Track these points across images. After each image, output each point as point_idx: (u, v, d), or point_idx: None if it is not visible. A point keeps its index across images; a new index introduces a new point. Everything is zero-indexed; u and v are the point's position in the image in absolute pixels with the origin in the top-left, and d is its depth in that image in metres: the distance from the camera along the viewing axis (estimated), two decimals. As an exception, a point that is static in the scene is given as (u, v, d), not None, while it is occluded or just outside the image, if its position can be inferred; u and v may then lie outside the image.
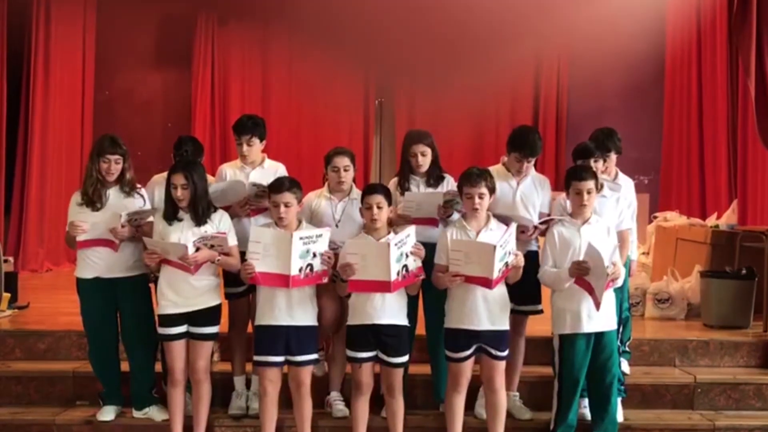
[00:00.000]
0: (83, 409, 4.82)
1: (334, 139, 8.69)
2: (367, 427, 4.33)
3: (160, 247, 4.23)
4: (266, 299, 4.24)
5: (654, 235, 7.51)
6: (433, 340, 4.62)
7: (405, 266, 4.08)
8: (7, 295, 6.04)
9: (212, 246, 4.25)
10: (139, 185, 4.66)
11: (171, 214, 4.31)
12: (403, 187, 4.60)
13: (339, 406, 4.66)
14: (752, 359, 5.33)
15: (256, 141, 4.65)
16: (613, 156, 4.78)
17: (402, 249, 4.05)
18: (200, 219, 4.28)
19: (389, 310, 4.18)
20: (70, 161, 9.07)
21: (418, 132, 4.75)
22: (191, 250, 4.15)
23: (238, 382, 4.74)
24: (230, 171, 4.71)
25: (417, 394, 4.80)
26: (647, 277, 6.71)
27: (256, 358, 4.27)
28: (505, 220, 4.29)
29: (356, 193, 4.55)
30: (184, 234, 4.24)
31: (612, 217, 4.57)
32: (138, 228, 4.48)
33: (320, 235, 4.15)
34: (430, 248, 4.26)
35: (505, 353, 4.28)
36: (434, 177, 4.63)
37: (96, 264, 4.52)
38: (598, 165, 4.58)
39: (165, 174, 4.41)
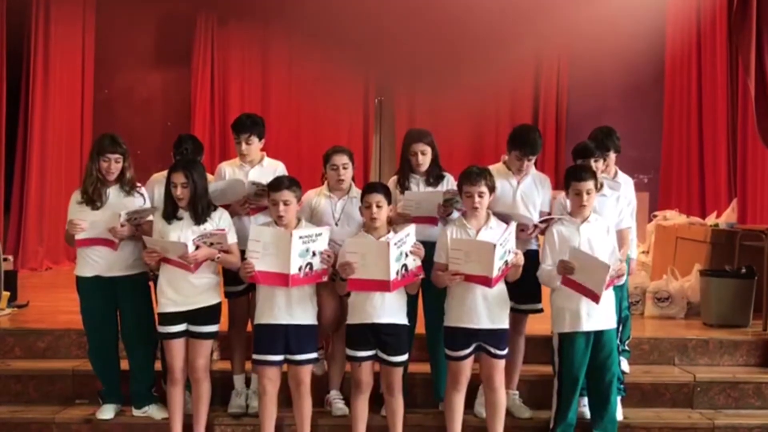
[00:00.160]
0: (83, 408, 4.82)
1: (333, 138, 8.68)
2: (366, 425, 4.34)
3: (159, 245, 4.23)
4: (266, 298, 4.24)
5: (654, 233, 7.51)
6: (432, 339, 4.62)
7: (404, 265, 4.08)
8: (6, 294, 6.03)
9: (212, 244, 4.25)
10: (139, 184, 4.67)
11: (170, 213, 4.31)
12: (403, 185, 4.60)
13: (339, 405, 4.66)
14: (752, 358, 5.33)
15: (254, 140, 4.65)
16: (613, 155, 4.78)
17: (402, 248, 4.05)
18: (200, 218, 4.27)
19: (389, 309, 4.18)
20: (70, 160, 9.07)
21: (418, 131, 4.75)
22: (191, 248, 4.15)
23: (238, 380, 4.74)
24: (229, 169, 4.71)
25: (417, 393, 4.80)
26: (647, 275, 6.71)
27: (255, 356, 4.27)
28: (504, 219, 4.30)
29: (356, 191, 4.56)
30: (184, 233, 4.24)
31: (612, 216, 4.58)
32: (138, 227, 4.48)
33: (320, 234, 4.15)
34: (429, 247, 4.26)
35: (505, 352, 4.28)
36: (434, 176, 4.63)
37: (96, 262, 4.52)
38: (598, 165, 4.58)
39: (165, 173, 4.41)
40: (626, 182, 4.81)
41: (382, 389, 4.36)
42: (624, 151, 4.88)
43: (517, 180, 4.56)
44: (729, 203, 7.44)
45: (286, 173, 4.62)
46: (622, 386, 4.73)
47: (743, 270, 5.83)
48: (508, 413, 4.45)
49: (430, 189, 4.59)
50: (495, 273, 4.02)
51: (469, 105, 9.36)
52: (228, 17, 9.98)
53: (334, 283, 4.27)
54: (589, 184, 4.28)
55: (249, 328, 4.59)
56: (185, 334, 4.34)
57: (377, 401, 4.46)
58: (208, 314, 4.33)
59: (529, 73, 10.03)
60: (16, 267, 7.21)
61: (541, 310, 4.64)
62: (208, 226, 4.28)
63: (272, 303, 4.21)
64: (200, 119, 9.79)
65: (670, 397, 4.99)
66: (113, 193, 4.55)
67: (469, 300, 4.18)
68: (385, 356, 4.23)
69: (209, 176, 4.55)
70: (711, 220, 7.02)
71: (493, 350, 4.22)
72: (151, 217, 4.46)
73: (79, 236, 4.45)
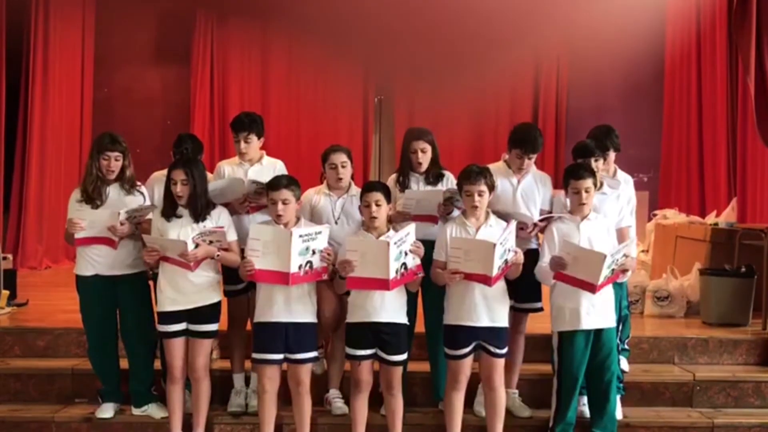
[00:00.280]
0: (82, 407, 4.82)
1: (333, 136, 8.69)
2: (366, 424, 4.34)
3: (159, 243, 4.23)
4: (265, 296, 4.23)
5: (653, 232, 7.51)
6: (432, 338, 4.62)
7: (404, 264, 4.08)
8: (6, 293, 6.03)
9: (211, 242, 4.25)
10: (139, 183, 4.66)
11: (170, 211, 4.30)
12: (403, 184, 4.60)
13: (338, 404, 4.66)
14: (751, 357, 5.33)
15: (253, 138, 4.65)
16: (612, 154, 4.78)
17: (401, 247, 4.04)
18: (199, 216, 4.27)
19: (389, 308, 4.18)
20: (69, 158, 9.07)
21: (419, 129, 4.75)
22: (190, 246, 4.15)
23: (238, 379, 4.73)
24: (228, 168, 4.71)
25: (416, 392, 4.80)
26: (646, 274, 6.71)
27: (254, 355, 4.27)
28: (504, 217, 4.29)
29: (355, 190, 4.56)
30: (183, 231, 4.23)
31: (612, 214, 4.58)
32: (138, 225, 4.48)
33: (320, 232, 4.15)
34: (429, 246, 4.27)
35: (504, 351, 4.28)
36: (434, 175, 4.62)
37: (95, 261, 4.51)
38: (598, 164, 4.58)
39: (165, 171, 4.40)
40: (626, 181, 4.81)
41: (382, 388, 4.35)
42: (624, 150, 4.88)
43: (518, 179, 4.56)
44: (729, 202, 7.45)
45: (286, 172, 4.62)
46: (621, 385, 4.73)
47: (743, 269, 5.83)
48: (508, 412, 4.45)
49: (430, 188, 4.58)
50: (495, 272, 4.02)
51: (469, 104, 9.35)
52: (228, 15, 9.97)
53: (332, 281, 4.27)
54: (588, 183, 4.28)
55: (249, 327, 4.58)
56: (185, 333, 4.33)
57: (377, 400, 4.46)
58: (208, 313, 4.33)
59: (529, 72, 10.03)
60: (15, 266, 7.21)
61: (541, 309, 4.64)
62: (208, 225, 4.28)
63: (272, 301, 4.21)
64: (200, 117, 9.79)
65: (670, 396, 4.99)
66: (113, 191, 4.54)
67: (468, 298, 4.18)
68: (384, 355, 4.23)
69: (209, 175, 4.54)
70: (711, 219, 7.03)
71: (492, 349, 4.22)
72: (150, 216, 4.46)
73: (78, 235, 4.44)
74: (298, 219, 4.29)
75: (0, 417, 4.70)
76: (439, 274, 4.19)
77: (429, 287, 4.36)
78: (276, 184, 4.20)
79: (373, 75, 10.00)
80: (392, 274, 4.01)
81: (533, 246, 4.53)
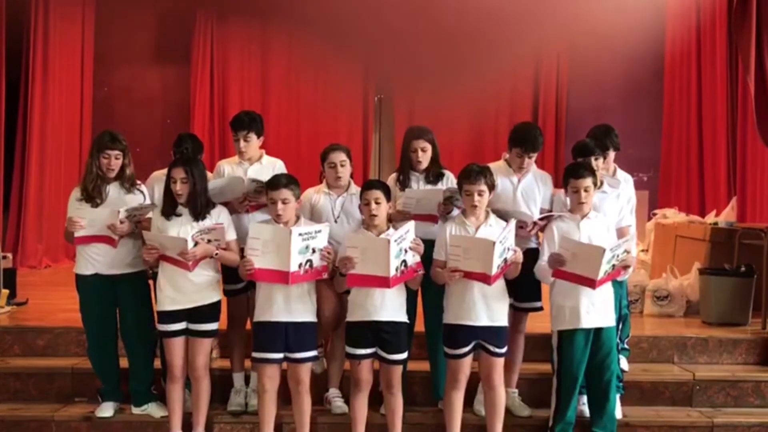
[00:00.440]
0: (82, 406, 4.82)
1: (333, 135, 8.68)
2: (366, 423, 4.34)
3: (159, 241, 4.23)
4: (265, 296, 4.23)
5: (653, 232, 7.51)
6: (432, 337, 4.62)
7: (404, 261, 4.08)
8: (5, 292, 6.03)
9: (209, 241, 4.24)
10: (139, 181, 4.66)
11: (170, 210, 4.30)
12: (403, 183, 4.60)
13: (338, 403, 4.66)
14: (751, 356, 5.33)
15: (253, 137, 4.64)
16: (612, 153, 4.78)
17: (401, 245, 4.04)
18: (199, 215, 4.27)
19: (389, 307, 4.18)
20: (69, 157, 9.07)
21: (419, 128, 4.75)
22: (190, 244, 4.15)
23: (237, 378, 4.73)
24: (228, 167, 4.71)
25: (416, 391, 4.80)
26: (646, 274, 6.71)
27: (254, 354, 4.27)
28: (504, 216, 4.29)
29: (355, 188, 4.56)
30: (183, 229, 4.23)
31: (612, 213, 4.58)
32: (137, 224, 4.48)
33: (319, 231, 4.15)
34: (429, 245, 4.27)
35: (504, 350, 4.28)
36: (434, 174, 4.62)
37: (95, 260, 4.51)
38: (598, 163, 4.58)
39: (165, 171, 4.40)
40: (626, 180, 4.82)
41: (382, 387, 4.35)
42: (623, 149, 4.88)
43: (518, 177, 4.56)
44: (728, 201, 7.44)
45: (285, 170, 4.62)
46: (621, 384, 4.73)
47: (742, 268, 5.83)
48: (508, 411, 4.46)
49: (430, 187, 4.58)
50: (494, 270, 4.02)
51: (469, 103, 9.34)
52: (227, 14, 9.96)
53: (332, 280, 4.27)
54: (587, 181, 4.28)
55: (248, 326, 4.58)
56: (185, 332, 4.33)
57: (377, 399, 4.46)
58: (208, 312, 4.33)
59: (529, 72, 10.02)
60: (15, 265, 7.20)
61: (540, 309, 4.64)
62: (207, 224, 4.28)
63: (271, 301, 4.20)
64: (200, 116, 9.78)
65: (670, 395, 4.99)
66: (113, 190, 4.55)
67: (467, 297, 4.18)
68: (384, 354, 4.23)
69: (209, 174, 4.54)
70: (710, 218, 7.03)
71: (492, 348, 4.22)
72: (150, 215, 4.46)
73: (78, 233, 4.44)
74: (297, 218, 4.29)
75: (0, 416, 4.70)
76: (439, 273, 4.19)
77: (429, 286, 4.36)
78: (275, 183, 4.20)
79: (373, 74, 9.99)
80: (393, 272, 4.01)
81: (533, 245, 4.53)
